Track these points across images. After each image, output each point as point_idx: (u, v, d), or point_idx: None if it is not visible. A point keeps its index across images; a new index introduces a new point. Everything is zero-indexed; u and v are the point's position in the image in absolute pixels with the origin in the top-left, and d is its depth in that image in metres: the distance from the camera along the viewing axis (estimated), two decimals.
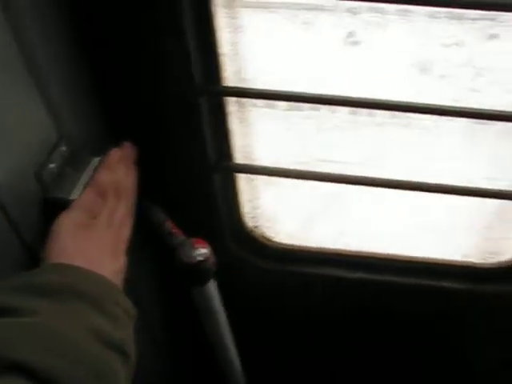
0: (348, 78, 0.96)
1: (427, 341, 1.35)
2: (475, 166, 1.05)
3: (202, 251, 0.97)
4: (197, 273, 0.99)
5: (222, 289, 1.11)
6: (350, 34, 0.92)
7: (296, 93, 0.95)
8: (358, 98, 0.94)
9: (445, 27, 0.89)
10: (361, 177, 1.04)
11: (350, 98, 0.95)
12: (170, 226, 1.02)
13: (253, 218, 1.20)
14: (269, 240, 1.22)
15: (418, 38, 0.91)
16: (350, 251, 1.22)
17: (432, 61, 0.93)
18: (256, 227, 1.21)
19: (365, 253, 1.22)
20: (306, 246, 1.23)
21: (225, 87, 0.97)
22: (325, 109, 1.00)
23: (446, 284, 1.22)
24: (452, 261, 1.22)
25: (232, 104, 1.02)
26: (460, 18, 0.87)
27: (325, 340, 1.38)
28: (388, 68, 0.95)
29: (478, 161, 1.05)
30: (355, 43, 0.93)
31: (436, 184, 1.04)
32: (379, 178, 1.04)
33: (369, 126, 1.01)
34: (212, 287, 1.05)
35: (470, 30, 0.89)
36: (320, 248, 1.23)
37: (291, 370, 1.49)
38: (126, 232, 0.85)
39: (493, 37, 0.90)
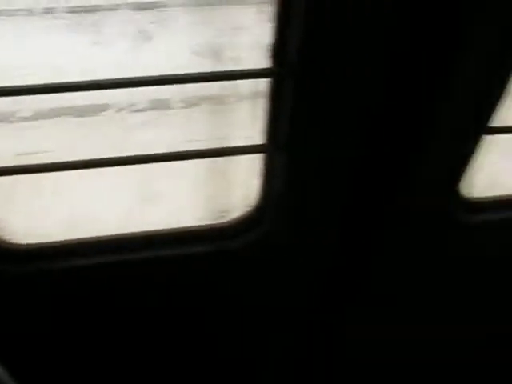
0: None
1: (186, 307, 1.41)
2: (172, 133, 1.13)
3: None
4: None
5: None
6: (141, 31, 0.94)
7: None
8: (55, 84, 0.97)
9: (227, 12, 0.95)
10: (74, 161, 1.07)
11: (51, 84, 0.97)
12: None
13: None
14: (5, 242, 1.19)
15: (205, 26, 0.96)
16: (88, 238, 1.24)
17: (222, 46, 0.98)
18: None
19: (104, 236, 1.25)
20: (46, 242, 1.22)
21: None
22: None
23: (191, 250, 1.29)
24: (190, 227, 1.30)
25: None
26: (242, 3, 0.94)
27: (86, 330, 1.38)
28: (180, 58, 0.99)
29: (172, 127, 1.13)
30: (148, 38, 0.95)
31: (144, 155, 1.09)
32: (91, 160, 1.08)
33: (68, 116, 1.04)
34: None
35: (249, 14, 0.96)
36: (62, 241, 1.23)
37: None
38: None
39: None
